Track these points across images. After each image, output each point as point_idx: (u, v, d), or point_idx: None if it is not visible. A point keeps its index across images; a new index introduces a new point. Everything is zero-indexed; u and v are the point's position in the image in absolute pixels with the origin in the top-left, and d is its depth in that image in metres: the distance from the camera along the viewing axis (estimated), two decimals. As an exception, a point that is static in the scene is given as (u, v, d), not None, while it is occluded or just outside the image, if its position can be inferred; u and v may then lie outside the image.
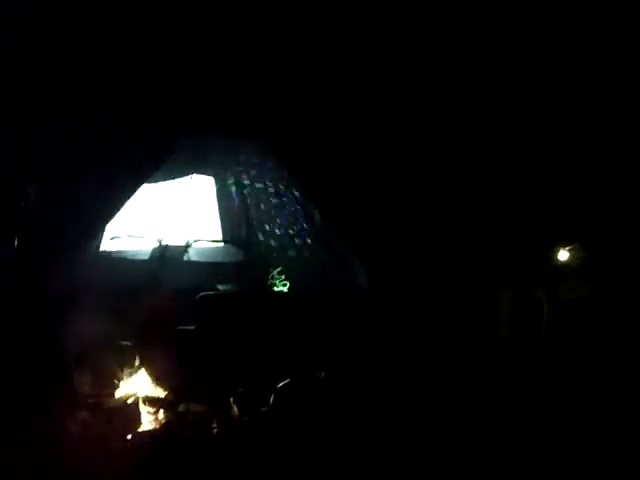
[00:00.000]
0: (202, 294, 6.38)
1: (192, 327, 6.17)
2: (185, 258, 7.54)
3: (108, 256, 7.18)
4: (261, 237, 7.96)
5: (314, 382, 5.04)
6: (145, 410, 5.22)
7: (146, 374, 5.56)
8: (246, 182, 7.93)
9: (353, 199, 6.76)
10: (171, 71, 6.00)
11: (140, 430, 4.90)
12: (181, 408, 5.31)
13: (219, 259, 7.74)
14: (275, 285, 7.37)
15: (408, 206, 6.66)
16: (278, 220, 7.83)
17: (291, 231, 7.71)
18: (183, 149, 6.70)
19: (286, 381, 4.88)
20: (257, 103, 6.36)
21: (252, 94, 6.28)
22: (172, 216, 7.62)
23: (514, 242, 6.32)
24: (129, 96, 5.95)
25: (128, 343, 5.78)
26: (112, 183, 6.03)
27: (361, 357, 5.73)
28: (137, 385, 5.47)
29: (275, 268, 7.44)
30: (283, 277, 7.37)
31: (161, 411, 5.26)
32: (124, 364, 5.57)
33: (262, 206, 7.91)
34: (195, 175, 7.73)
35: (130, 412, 5.08)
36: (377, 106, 6.43)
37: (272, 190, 7.77)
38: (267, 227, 7.90)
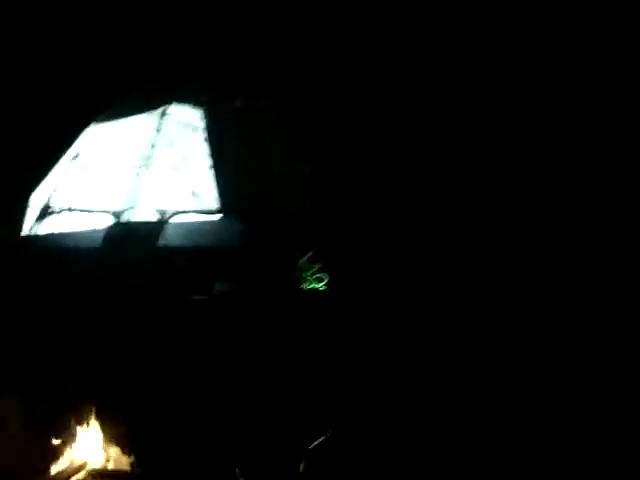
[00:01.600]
0: (190, 298, 6.34)
1: (174, 352, 6.00)
2: (160, 242, 7.18)
3: (37, 241, 7.06)
4: (280, 202, 7.63)
5: (369, 437, 5.01)
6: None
7: (102, 434, 5.43)
8: (256, 113, 7.79)
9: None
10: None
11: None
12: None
13: (214, 242, 7.33)
14: (305, 280, 7.01)
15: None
16: (308, 174, 7.64)
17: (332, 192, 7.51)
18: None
19: (323, 437, 4.86)
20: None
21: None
22: (135, 175, 7.32)
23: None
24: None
25: (73, 385, 5.64)
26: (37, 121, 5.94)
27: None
28: (88, 451, 5.35)
29: (305, 253, 7.07)
30: (317, 267, 6.99)
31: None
32: (68, 418, 5.44)
33: (283, 154, 7.73)
34: (173, 107, 7.54)
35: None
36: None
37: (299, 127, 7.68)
38: (290, 187, 7.64)
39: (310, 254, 6.98)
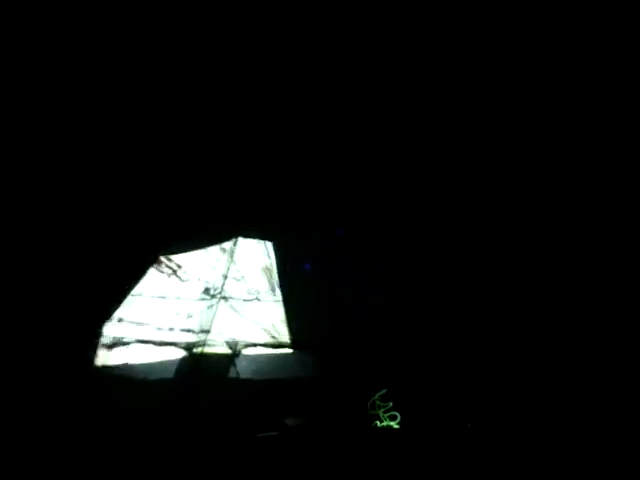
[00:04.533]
0: (258, 436, 6.35)
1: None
2: (231, 374, 7.31)
3: (107, 373, 7.02)
4: (355, 337, 7.72)
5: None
6: None
7: None
8: (328, 248, 7.98)
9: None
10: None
11: None
12: None
13: (286, 375, 7.49)
14: (379, 418, 7.06)
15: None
16: (385, 310, 7.76)
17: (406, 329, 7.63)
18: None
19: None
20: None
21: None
22: (207, 308, 7.52)
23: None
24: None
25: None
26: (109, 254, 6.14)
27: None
28: None
29: (378, 390, 7.18)
30: (391, 404, 7.10)
31: None
32: None
33: (356, 288, 7.86)
34: (243, 241, 7.77)
35: None
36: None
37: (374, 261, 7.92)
38: (365, 322, 7.73)
39: (384, 391, 7.10)
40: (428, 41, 7.06)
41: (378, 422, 6.97)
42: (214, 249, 7.57)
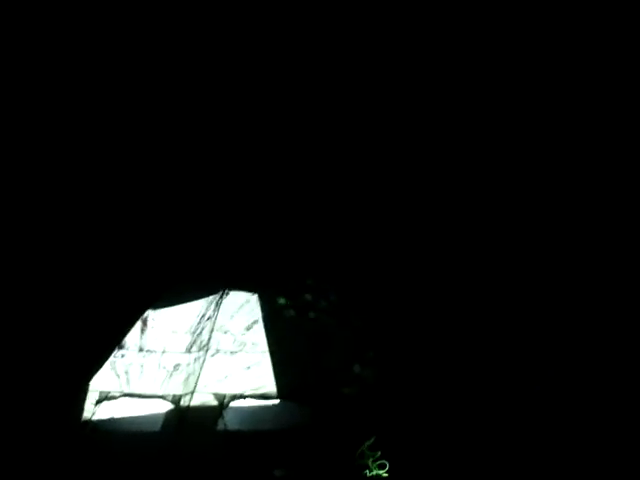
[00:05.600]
0: None
1: None
2: (218, 426, 7.22)
3: (97, 426, 7.01)
4: (344, 387, 7.62)
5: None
6: None
7: None
8: (313, 301, 8.03)
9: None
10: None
11: None
12: None
13: (274, 425, 7.34)
14: (368, 468, 6.93)
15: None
16: (370, 355, 7.71)
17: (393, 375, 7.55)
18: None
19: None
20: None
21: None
22: (193, 360, 7.50)
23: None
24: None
25: None
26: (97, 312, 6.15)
27: None
28: None
29: (367, 439, 7.05)
30: (379, 453, 6.97)
31: None
32: None
33: (343, 337, 7.86)
34: (229, 293, 7.80)
35: None
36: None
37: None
38: (352, 369, 7.68)
39: (372, 440, 7.04)
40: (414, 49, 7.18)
41: (367, 471, 6.90)
42: (201, 301, 7.62)
